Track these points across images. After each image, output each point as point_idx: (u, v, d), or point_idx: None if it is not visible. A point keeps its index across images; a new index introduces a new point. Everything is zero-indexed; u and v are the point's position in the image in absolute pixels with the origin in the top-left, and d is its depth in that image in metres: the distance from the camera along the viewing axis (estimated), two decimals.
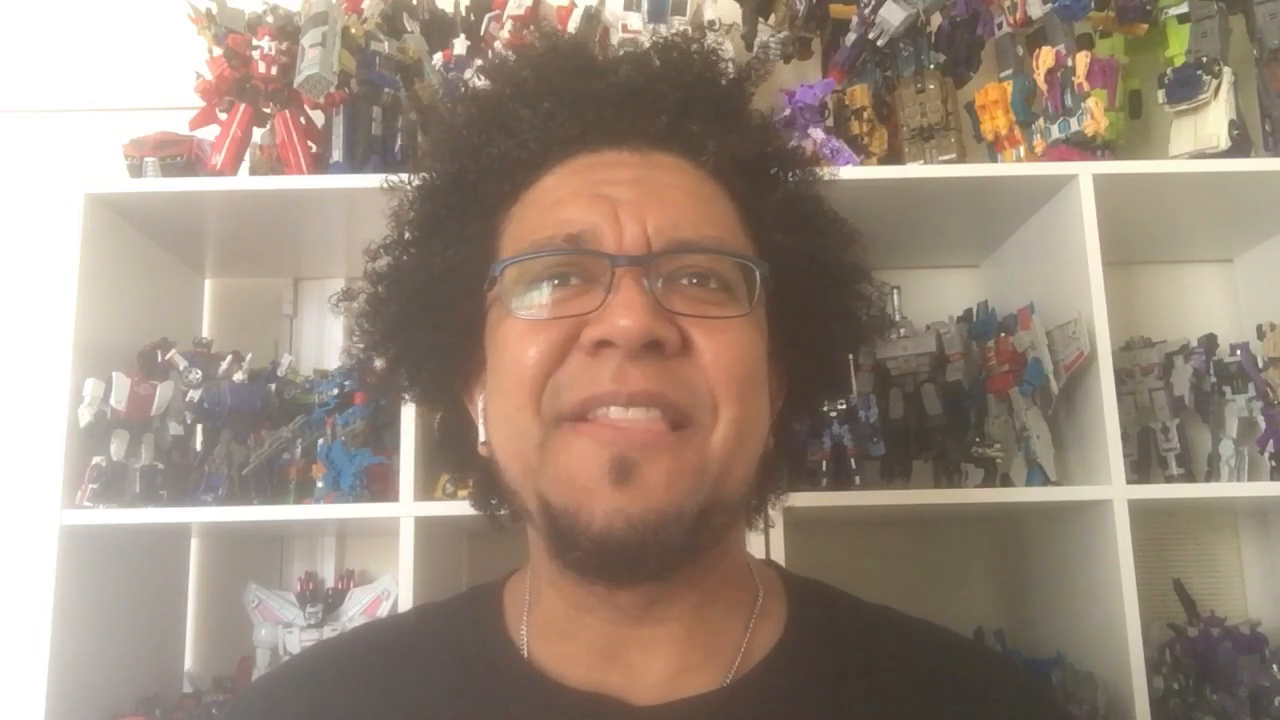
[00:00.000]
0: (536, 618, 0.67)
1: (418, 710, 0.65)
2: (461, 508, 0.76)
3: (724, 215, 0.64)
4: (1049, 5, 1.42)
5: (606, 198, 0.61)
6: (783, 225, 0.66)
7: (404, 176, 0.72)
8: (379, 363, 0.72)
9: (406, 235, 0.70)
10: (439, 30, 1.56)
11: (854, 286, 0.71)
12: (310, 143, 1.43)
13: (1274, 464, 1.35)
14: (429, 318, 0.66)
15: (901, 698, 0.65)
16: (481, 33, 1.52)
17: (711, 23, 1.44)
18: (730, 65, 0.72)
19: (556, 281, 0.60)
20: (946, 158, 1.42)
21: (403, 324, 0.68)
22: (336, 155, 1.40)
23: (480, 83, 0.72)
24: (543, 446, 0.58)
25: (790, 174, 0.70)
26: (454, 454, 0.74)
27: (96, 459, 1.25)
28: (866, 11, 1.43)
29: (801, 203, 0.69)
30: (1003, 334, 1.37)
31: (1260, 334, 1.43)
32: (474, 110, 0.69)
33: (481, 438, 0.66)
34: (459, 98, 0.72)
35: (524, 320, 0.60)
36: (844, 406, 1.29)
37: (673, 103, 0.65)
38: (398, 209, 0.70)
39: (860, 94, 1.46)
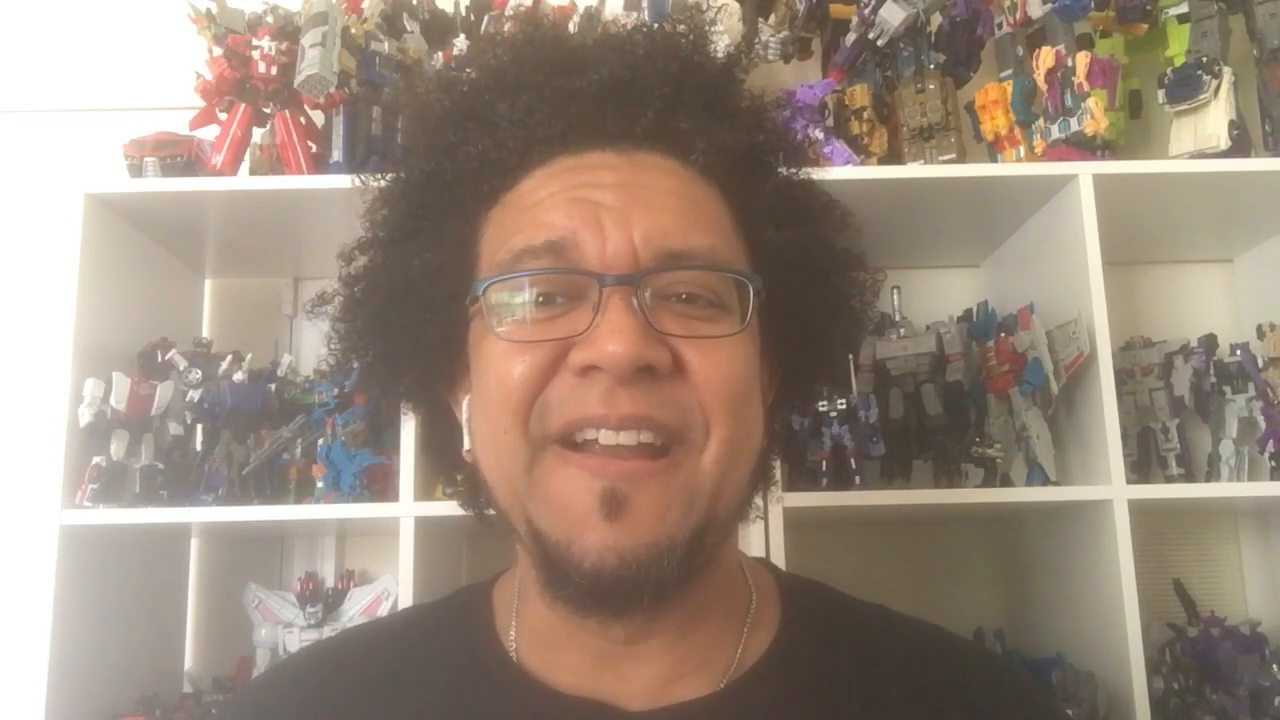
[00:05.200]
0: (525, 624, 0.66)
1: (408, 714, 0.64)
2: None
3: (714, 218, 0.61)
4: (1049, 5, 1.42)
5: (588, 202, 0.58)
6: (776, 220, 0.63)
7: (378, 175, 0.69)
8: (358, 364, 0.70)
9: (383, 235, 0.67)
10: (439, 30, 1.55)
11: (848, 275, 0.69)
12: (310, 143, 1.43)
13: (1274, 464, 1.35)
14: (407, 321, 0.64)
15: (896, 698, 0.64)
16: (481, 33, 1.52)
17: (712, 21, 1.43)
18: (723, 39, 0.69)
19: (541, 298, 0.58)
20: (946, 158, 1.42)
21: (380, 327, 0.66)
22: (336, 155, 1.40)
23: (463, 76, 0.68)
24: (530, 470, 0.57)
25: (782, 159, 0.67)
26: (440, 454, 0.73)
27: (96, 459, 1.25)
28: (866, 11, 1.43)
29: (795, 189, 0.67)
30: (1003, 334, 1.37)
31: (1260, 334, 1.43)
32: (449, 104, 0.65)
33: (466, 445, 0.65)
34: (436, 88, 0.68)
35: (508, 341, 0.58)
36: (844, 406, 1.29)
37: (659, 98, 0.61)
38: (373, 207, 0.68)
39: (860, 94, 1.46)
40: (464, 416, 0.65)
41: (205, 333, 1.58)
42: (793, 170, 0.68)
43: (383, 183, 0.69)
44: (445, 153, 0.64)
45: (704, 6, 0.70)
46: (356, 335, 0.68)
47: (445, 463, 0.73)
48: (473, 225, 0.63)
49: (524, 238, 0.59)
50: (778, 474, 1.22)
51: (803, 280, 0.64)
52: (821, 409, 1.28)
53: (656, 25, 0.67)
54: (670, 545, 0.55)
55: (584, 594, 0.56)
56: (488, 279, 0.59)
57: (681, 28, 0.66)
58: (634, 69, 0.63)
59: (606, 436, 0.56)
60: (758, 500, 0.68)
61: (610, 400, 0.55)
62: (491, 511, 0.69)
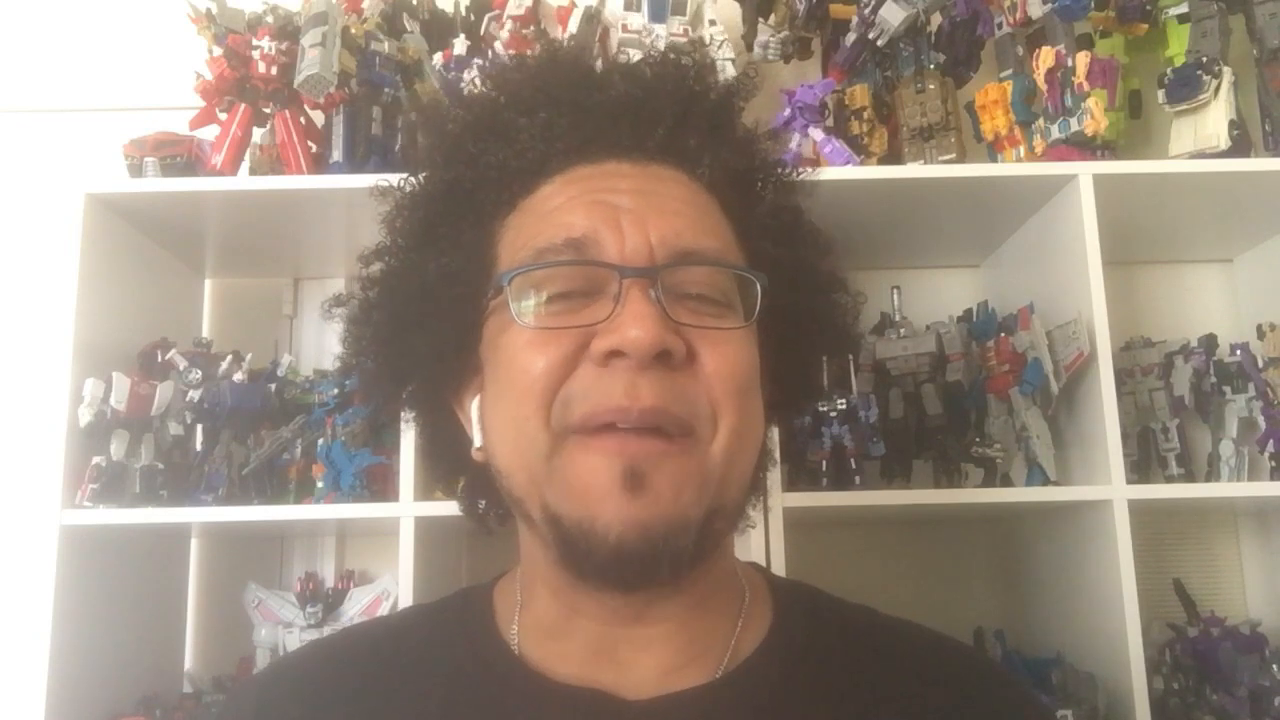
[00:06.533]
0: (528, 619, 0.67)
1: (410, 710, 0.65)
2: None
3: (720, 227, 0.65)
4: (1049, 5, 1.42)
5: (607, 204, 0.62)
6: (771, 236, 0.68)
7: (395, 180, 0.72)
8: (368, 366, 0.72)
9: (400, 241, 0.70)
10: (439, 30, 1.56)
11: (832, 295, 0.72)
12: (310, 143, 1.43)
13: (1274, 464, 1.35)
14: (422, 324, 0.66)
15: (886, 689, 0.66)
16: (481, 33, 1.52)
17: (712, 21, 1.44)
18: (726, 67, 0.73)
19: (562, 292, 0.61)
20: (946, 158, 1.42)
21: (394, 330, 0.68)
22: (336, 155, 1.41)
23: (477, 88, 0.72)
24: (550, 458, 0.59)
25: (774, 184, 0.72)
26: (442, 460, 0.75)
27: (96, 459, 1.25)
28: (866, 11, 1.43)
29: (785, 214, 0.71)
30: (1003, 334, 1.37)
31: (1260, 334, 1.43)
32: (470, 117, 0.69)
33: (476, 444, 0.66)
34: (454, 102, 0.73)
35: (531, 330, 0.60)
36: (844, 406, 1.29)
37: (669, 116, 0.66)
38: (390, 214, 0.70)
39: (860, 94, 1.46)
40: (473, 417, 0.67)
41: (205, 333, 1.58)
42: (784, 195, 0.72)
43: (397, 187, 0.71)
44: (465, 163, 0.67)
45: (706, 40, 0.74)
46: (369, 338, 0.70)
47: (446, 468, 0.75)
48: (490, 230, 0.66)
49: (546, 237, 0.62)
50: (777, 477, 1.22)
51: (792, 295, 0.67)
52: (821, 409, 1.29)
53: (664, 53, 0.71)
54: (685, 522, 0.57)
55: (608, 569, 0.57)
56: (513, 270, 0.61)
57: (686, 60, 0.70)
58: (646, 90, 0.67)
59: (625, 427, 0.58)
60: (750, 511, 0.70)
61: (632, 392, 0.57)
62: (493, 514, 0.72)
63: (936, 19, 1.50)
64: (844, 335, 0.74)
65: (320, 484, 1.32)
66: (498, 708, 0.64)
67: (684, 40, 1.36)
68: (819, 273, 0.71)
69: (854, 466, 1.30)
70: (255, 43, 1.39)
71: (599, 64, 0.72)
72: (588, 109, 0.66)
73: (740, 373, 0.61)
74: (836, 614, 0.72)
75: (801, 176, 0.73)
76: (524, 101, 0.67)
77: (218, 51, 1.39)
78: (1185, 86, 1.39)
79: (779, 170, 0.72)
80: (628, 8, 1.45)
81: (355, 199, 1.31)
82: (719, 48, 1.40)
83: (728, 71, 0.73)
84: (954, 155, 1.42)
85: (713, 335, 0.60)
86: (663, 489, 0.57)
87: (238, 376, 1.34)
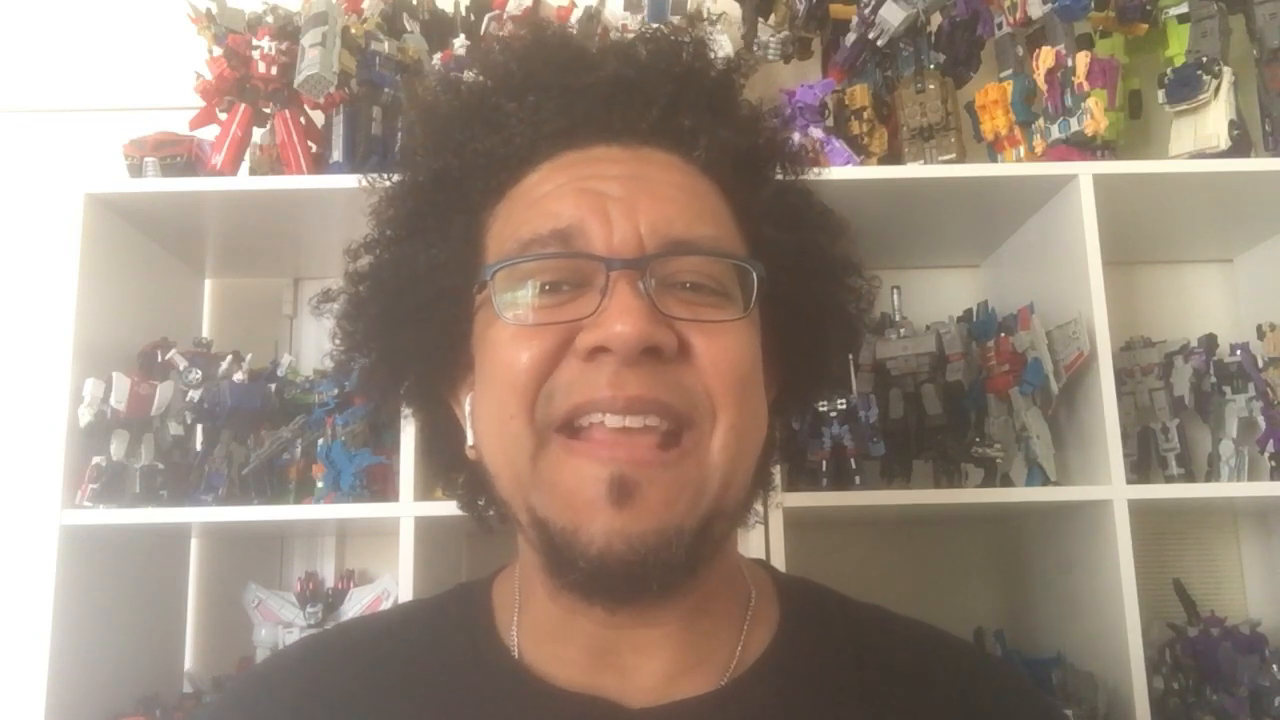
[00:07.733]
0: (527, 619, 0.66)
1: (407, 710, 0.64)
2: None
3: (717, 211, 0.63)
4: (1049, 5, 1.42)
5: (595, 192, 0.59)
6: (774, 220, 0.65)
7: (383, 174, 0.70)
8: (362, 363, 0.70)
9: (388, 233, 0.68)
10: (439, 30, 1.56)
11: (844, 280, 0.69)
12: (310, 143, 1.43)
13: (1274, 464, 1.35)
14: (412, 318, 0.64)
15: (896, 695, 0.65)
16: (481, 33, 1.52)
17: (712, 21, 1.44)
18: (720, 53, 0.70)
19: (548, 285, 0.59)
20: (946, 158, 1.42)
21: (385, 325, 0.66)
22: (336, 155, 1.41)
23: (468, 77, 0.69)
24: (535, 459, 0.57)
25: (780, 166, 0.69)
26: (440, 456, 0.73)
27: (96, 459, 1.25)
28: (866, 11, 1.43)
29: (792, 195, 0.68)
30: (1003, 334, 1.37)
31: (1260, 334, 1.43)
32: (457, 105, 0.66)
33: (469, 441, 0.65)
34: (441, 89, 0.69)
35: (515, 325, 0.58)
36: (844, 406, 1.29)
37: (662, 96, 0.63)
38: (379, 206, 0.69)
39: (860, 94, 1.46)
40: (466, 414, 0.65)
41: (205, 333, 1.58)
42: (790, 177, 0.69)
43: (389, 183, 0.69)
44: (453, 151, 0.65)
45: (704, 15, 0.71)
46: (361, 334, 0.68)
47: (445, 465, 0.73)
48: (479, 220, 0.64)
49: (531, 227, 0.60)
50: (778, 479, 1.23)
51: (800, 281, 0.65)
52: (821, 409, 1.29)
53: (658, 30, 0.68)
54: (678, 533, 0.55)
55: (590, 579, 0.56)
56: (497, 264, 0.59)
57: (683, 38, 0.67)
58: (638, 70, 0.64)
59: (612, 420, 0.56)
60: (757, 506, 0.69)
61: (617, 382, 0.55)
62: (492, 512, 0.70)
63: (936, 19, 1.50)
64: (854, 323, 0.71)
65: (320, 484, 1.32)
66: (498, 713, 0.63)
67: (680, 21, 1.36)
68: (828, 258, 0.68)
69: (854, 466, 1.30)
70: (255, 43, 1.39)
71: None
72: (576, 91, 0.63)
73: (738, 365, 0.58)
74: (844, 614, 0.71)
75: (806, 163, 0.70)
76: (512, 86, 0.64)
77: (218, 51, 1.39)
78: (1185, 86, 1.39)
79: (785, 151, 0.69)
80: (628, 8, 1.45)
81: (355, 199, 1.28)
82: (717, 22, 1.40)
83: None
84: (954, 155, 1.42)
85: (707, 327, 0.58)
86: (653, 500, 0.55)
87: (238, 376, 1.34)
